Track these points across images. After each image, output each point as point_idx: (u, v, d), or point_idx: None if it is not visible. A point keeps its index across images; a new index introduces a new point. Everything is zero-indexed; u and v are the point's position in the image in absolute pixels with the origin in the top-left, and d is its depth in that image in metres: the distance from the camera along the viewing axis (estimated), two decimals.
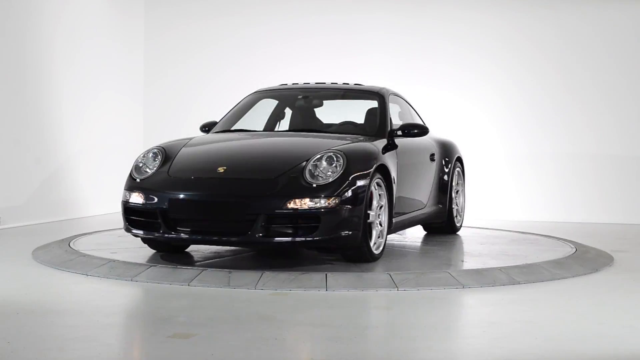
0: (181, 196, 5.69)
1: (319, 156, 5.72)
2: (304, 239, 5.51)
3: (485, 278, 5.63)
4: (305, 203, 5.46)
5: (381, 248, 6.05)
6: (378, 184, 5.92)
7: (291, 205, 5.46)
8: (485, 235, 7.94)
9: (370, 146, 6.11)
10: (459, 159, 8.05)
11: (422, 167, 7.19)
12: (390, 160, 6.22)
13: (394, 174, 6.22)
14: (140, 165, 6.11)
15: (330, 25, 10.91)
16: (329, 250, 6.04)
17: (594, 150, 10.52)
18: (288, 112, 7.42)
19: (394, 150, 6.45)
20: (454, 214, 7.87)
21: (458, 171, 7.99)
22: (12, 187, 8.54)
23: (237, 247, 6.38)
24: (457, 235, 7.94)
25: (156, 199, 5.75)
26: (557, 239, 7.72)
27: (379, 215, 5.96)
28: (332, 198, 5.49)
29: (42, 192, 8.95)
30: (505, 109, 10.67)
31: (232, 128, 7.12)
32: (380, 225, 6.01)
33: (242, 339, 4.07)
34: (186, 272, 5.57)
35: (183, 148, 6.24)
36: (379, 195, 5.97)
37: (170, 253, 6.31)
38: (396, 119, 7.22)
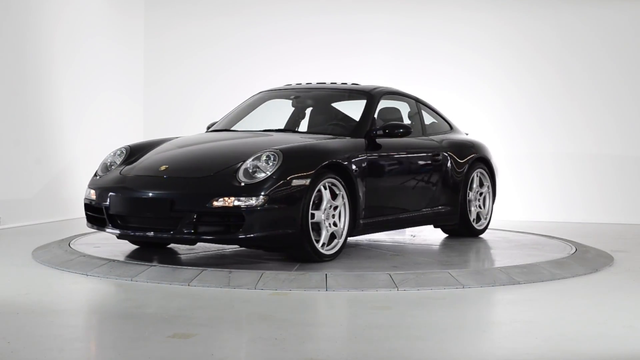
0: (118, 193, 5.92)
1: (256, 156, 5.78)
2: (227, 237, 5.59)
3: (485, 278, 5.63)
4: (230, 201, 5.52)
5: (337, 249, 6.02)
6: (333, 184, 5.94)
7: (216, 203, 5.53)
8: (485, 235, 7.93)
9: (319, 146, 6.08)
10: (482, 160, 7.73)
11: (418, 168, 7.04)
12: (360, 161, 6.23)
13: (359, 174, 6.18)
14: (108, 163, 6.39)
15: (330, 25, 10.91)
16: (272, 249, 6.10)
17: (594, 150, 10.53)
18: (309, 111, 7.38)
19: (375, 151, 6.45)
20: (472, 217, 7.58)
21: (481, 172, 7.70)
22: (12, 187, 8.54)
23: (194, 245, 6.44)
24: (464, 236, 7.70)
25: (102, 196, 6.01)
26: (557, 239, 7.72)
27: (333, 215, 5.96)
28: (259, 197, 5.52)
29: (42, 192, 8.96)
30: (505, 109, 10.67)
31: (232, 128, 7.12)
32: (335, 225, 5.98)
33: (242, 339, 4.07)
34: (186, 272, 5.57)
35: (157, 147, 6.49)
36: (336, 195, 5.98)
37: (146, 248, 6.52)
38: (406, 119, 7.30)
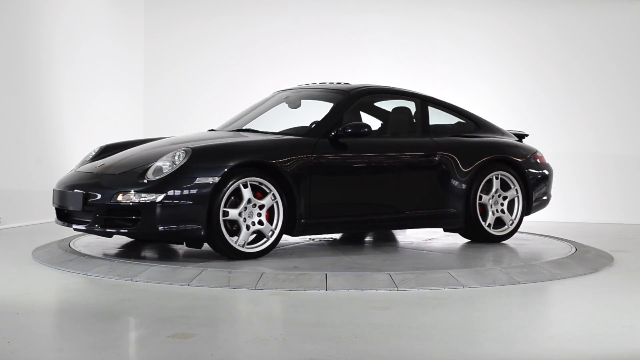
0: (58, 188, 6.38)
1: (168, 155, 6.01)
2: (129, 230, 5.86)
3: (485, 278, 5.63)
4: (130, 197, 5.79)
5: (262, 247, 6.07)
6: (260, 183, 6.02)
7: (118, 198, 5.83)
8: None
9: (236, 145, 6.20)
10: (507, 162, 7.24)
11: (399, 169, 6.82)
12: (304, 160, 6.22)
13: (301, 173, 6.19)
14: (86, 160, 6.81)
15: (330, 25, 10.91)
16: (179, 243, 6.30)
17: (594, 150, 10.52)
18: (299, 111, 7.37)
19: (335, 150, 6.43)
20: (488, 222, 7.12)
21: (504, 175, 7.21)
22: (12, 187, 8.55)
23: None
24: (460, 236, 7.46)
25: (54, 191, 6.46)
26: (557, 239, 7.72)
27: (259, 214, 6.01)
28: (158, 194, 5.75)
29: (42, 192, 8.95)
30: (505, 109, 10.67)
31: (233, 128, 7.11)
32: (260, 224, 6.02)
33: (242, 339, 4.07)
34: (186, 272, 5.57)
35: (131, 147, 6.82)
36: (263, 193, 6.04)
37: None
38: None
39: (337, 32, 10.88)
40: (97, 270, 5.74)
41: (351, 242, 7.21)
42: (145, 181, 5.84)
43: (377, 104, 7.54)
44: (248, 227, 6.00)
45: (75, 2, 9.79)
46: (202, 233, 5.82)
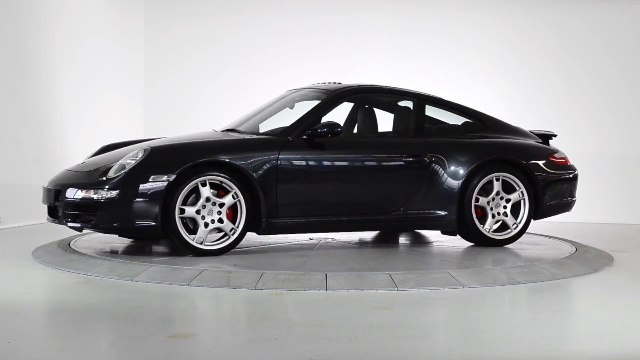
0: (44, 185, 6.61)
1: (131, 153, 6.25)
2: (88, 225, 6.11)
3: (485, 278, 5.63)
4: (90, 194, 6.05)
5: (222, 245, 6.17)
6: (221, 182, 6.11)
7: (80, 195, 6.09)
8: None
9: (196, 144, 6.32)
10: (511, 163, 6.95)
11: (379, 170, 6.71)
12: (270, 160, 6.26)
13: (266, 173, 6.23)
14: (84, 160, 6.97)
15: (330, 25, 10.91)
16: (142, 239, 6.55)
17: (594, 150, 10.52)
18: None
19: (307, 151, 6.44)
20: (487, 225, 6.86)
21: (506, 177, 6.90)
22: (12, 187, 8.54)
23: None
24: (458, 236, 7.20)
25: None
26: (557, 239, 7.72)
27: (219, 212, 6.10)
28: (113, 190, 5.99)
29: (42, 192, 8.95)
30: (505, 109, 10.65)
31: (238, 128, 7.07)
32: (220, 222, 6.11)
33: (242, 339, 4.07)
34: (186, 272, 5.57)
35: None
36: (226, 192, 6.13)
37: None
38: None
39: (337, 32, 10.87)
40: (97, 270, 5.74)
41: (351, 242, 7.21)
42: (105, 179, 6.08)
43: (382, 103, 7.47)
44: (207, 225, 6.09)
45: (75, 2, 9.79)
46: (158, 230, 5.97)
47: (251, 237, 7.10)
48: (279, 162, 6.33)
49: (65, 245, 6.66)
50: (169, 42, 11.22)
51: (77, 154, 9.50)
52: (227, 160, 6.13)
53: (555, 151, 7.37)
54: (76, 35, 9.68)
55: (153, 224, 5.96)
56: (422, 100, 7.17)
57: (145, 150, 6.15)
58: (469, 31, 10.69)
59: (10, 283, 5.52)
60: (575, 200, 7.45)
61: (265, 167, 6.26)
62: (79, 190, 6.10)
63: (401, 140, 6.95)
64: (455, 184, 6.80)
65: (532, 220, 7.08)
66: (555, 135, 7.67)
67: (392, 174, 6.76)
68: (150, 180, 5.97)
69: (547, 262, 6.23)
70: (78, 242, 6.92)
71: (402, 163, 6.75)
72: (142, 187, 5.96)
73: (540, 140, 7.48)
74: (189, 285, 5.36)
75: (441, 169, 6.81)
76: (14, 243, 7.45)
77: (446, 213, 6.79)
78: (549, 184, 7.12)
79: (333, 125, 6.47)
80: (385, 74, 10.28)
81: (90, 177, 6.21)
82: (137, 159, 6.09)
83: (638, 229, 9.55)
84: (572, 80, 10.54)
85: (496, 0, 10.76)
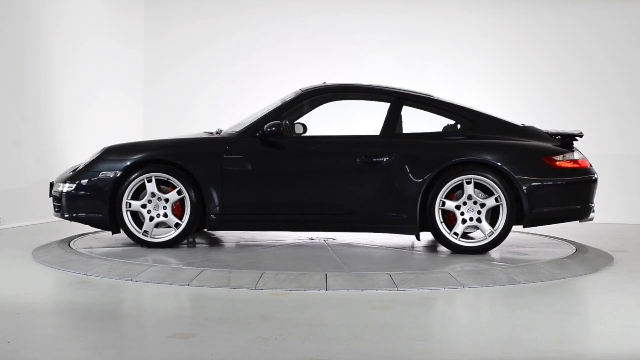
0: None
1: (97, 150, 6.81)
2: (58, 214, 6.80)
3: (485, 278, 5.63)
4: (59, 187, 6.74)
5: (167, 238, 6.54)
6: (168, 178, 6.49)
7: (56, 188, 6.79)
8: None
9: (144, 143, 6.78)
10: (487, 165, 6.44)
11: (331, 170, 6.58)
12: (215, 158, 6.50)
13: (211, 171, 6.48)
14: None
15: (330, 25, 10.91)
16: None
17: (594, 150, 10.52)
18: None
19: (261, 149, 6.55)
20: (456, 230, 6.45)
21: (476, 180, 6.42)
22: (12, 187, 8.55)
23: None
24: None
25: None
26: (557, 239, 7.72)
27: (164, 207, 6.49)
28: (71, 184, 6.62)
29: (42, 192, 8.95)
30: (505, 109, 10.64)
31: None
32: (165, 216, 6.49)
33: (242, 339, 4.07)
34: (186, 272, 5.58)
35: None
36: (174, 188, 6.50)
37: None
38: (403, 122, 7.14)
39: (337, 32, 10.87)
40: (97, 270, 5.74)
41: (351, 242, 7.21)
42: (70, 174, 6.71)
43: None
44: (152, 219, 6.51)
45: (75, 2, 9.79)
46: (106, 221, 6.54)
47: (250, 237, 7.10)
48: (224, 160, 6.53)
49: (65, 245, 6.66)
50: (169, 42, 11.22)
51: (77, 154, 9.50)
52: (167, 158, 6.51)
53: (556, 152, 6.66)
54: (76, 35, 9.68)
55: (101, 216, 6.54)
56: (399, 99, 6.88)
57: (103, 148, 6.70)
58: (469, 31, 10.69)
59: (10, 283, 5.52)
60: (589, 208, 6.73)
61: (210, 165, 6.52)
62: (59, 184, 6.77)
63: (361, 140, 6.72)
64: (417, 186, 6.45)
65: (512, 227, 6.50)
66: (580, 136, 6.93)
67: (344, 174, 6.59)
68: (99, 175, 6.56)
69: (547, 262, 6.23)
70: (78, 242, 6.92)
71: (357, 163, 6.54)
72: (92, 181, 6.56)
73: (556, 142, 6.81)
74: (189, 285, 5.36)
75: (403, 170, 6.50)
76: (14, 243, 7.45)
77: (407, 216, 6.48)
78: (539, 189, 6.49)
79: (277, 125, 6.53)
80: (386, 74, 10.28)
81: (67, 173, 6.82)
82: (93, 156, 6.67)
83: (638, 229, 9.55)
84: (571, 81, 10.54)
85: (496, 0, 10.76)
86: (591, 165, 6.93)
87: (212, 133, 7.12)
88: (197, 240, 7.14)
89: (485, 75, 10.65)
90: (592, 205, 6.77)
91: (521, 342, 4.12)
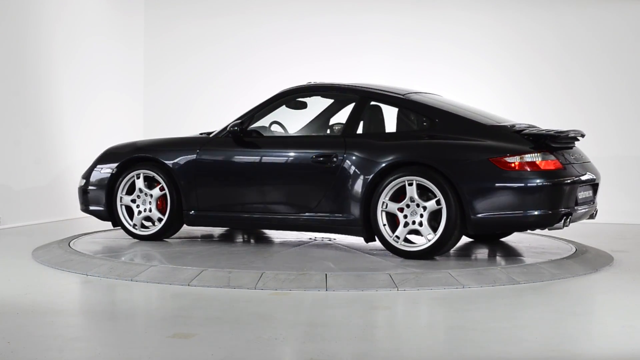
0: None
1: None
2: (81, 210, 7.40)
3: (485, 278, 5.63)
4: (79, 183, 7.33)
5: (151, 232, 6.97)
6: (154, 175, 6.92)
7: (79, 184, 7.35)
8: (485, 235, 7.91)
9: (135, 143, 7.32)
10: (426, 166, 6.08)
11: (287, 170, 6.60)
12: (190, 157, 6.86)
13: (187, 169, 6.83)
14: None
15: (330, 25, 10.91)
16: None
17: (594, 150, 10.52)
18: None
19: (225, 148, 6.83)
20: (398, 233, 6.17)
21: (417, 182, 6.07)
22: (12, 187, 8.55)
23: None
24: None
25: None
26: (557, 239, 7.72)
27: (149, 202, 6.94)
28: (83, 180, 7.25)
29: (42, 192, 8.95)
30: (505, 110, 10.64)
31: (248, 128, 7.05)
32: (149, 211, 6.94)
33: (242, 339, 4.07)
34: (186, 272, 5.58)
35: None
36: (157, 184, 6.92)
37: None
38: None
39: (337, 32, 10.87)
40: (97, 270, 5.74)
41: (351, 242, 7.21)
42: (85, 171, 7.30)
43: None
44: (140, 213, 6.97)
45: (75, 2, 9.79)
46: (106, 214, 7.06)
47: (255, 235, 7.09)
48: (197, 159, 6.87)
49: (65, 246, 6.66)
50: (169, 42, 11.22)
51: (77, 154, 9.50)
52: (152, 156, 6.95)
53: (511, 153, 6.04)
54: (76, 35, 9.68)
55: (102, 209, 7.09)
56: (364, 97, 6.72)
57: (107, 148, 7.32)
58: (469, 31, 10.68)
59: (10, 283, 5.52)
60: (557, 214, 6.03)
61: (186, 163, 6.87)
62: (80, 180, 7.35)
63: (319, 140, 6.81)
64: (362, 186, 6.28)
65: (457, 232, 6.09)
66: (582, 136, 6.69)
67: (299, 173, 6.55)
68: (101, 172, 7.12)
69: (546, 262, 6.23)
70: (78, 242, 6.92)
71: (310, 162, 6.47)
72: (98, 178, 7.12)
73: (528, 143, 6.19)
74: (189, 285, 5.36)
75: (350, 170, 6.35)
76: (14, 243, 7.45)
77: (353, 218, 6.34)
78: (483, 192, 5.99)
79: (238, 125, 6.79)
80: (386, 74, 10.28)
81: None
82: (99, 155, 7.25)
83: (638, 229, 9.55)
84: (571, 81, 10.54)
85: (496, 0, 10.76)
86: (565, 168, 6.22)
87: (209, 134, 7.15)
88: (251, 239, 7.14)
89: (485, 75, 10.64)
90: (563, 211, 6.06)
91: (521, 342, 4.12)
